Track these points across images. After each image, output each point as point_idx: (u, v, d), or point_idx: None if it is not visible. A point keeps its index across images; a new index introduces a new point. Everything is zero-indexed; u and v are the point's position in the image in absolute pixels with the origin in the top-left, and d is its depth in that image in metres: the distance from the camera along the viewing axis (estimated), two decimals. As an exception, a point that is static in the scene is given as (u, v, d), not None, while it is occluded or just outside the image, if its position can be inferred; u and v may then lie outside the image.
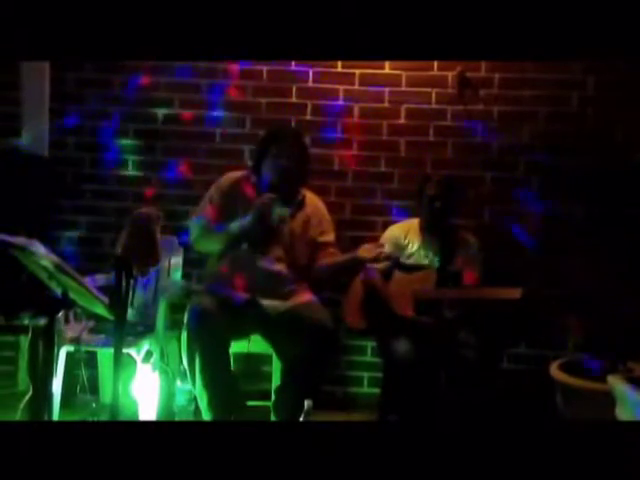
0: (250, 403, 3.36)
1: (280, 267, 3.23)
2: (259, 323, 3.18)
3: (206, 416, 3.05)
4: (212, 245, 3.26)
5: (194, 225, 3.27)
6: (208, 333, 2.98)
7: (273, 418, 3.13)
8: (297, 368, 3.05)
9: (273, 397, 3.20)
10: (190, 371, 3.01)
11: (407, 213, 3.69)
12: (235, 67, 3.85)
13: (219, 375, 3.02)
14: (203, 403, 3.03)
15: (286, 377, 3.12)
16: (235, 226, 3.17)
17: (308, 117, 3.85)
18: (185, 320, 3.07)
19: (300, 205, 3.34)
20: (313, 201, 3.42)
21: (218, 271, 3.25)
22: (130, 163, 3.92)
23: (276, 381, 3.31)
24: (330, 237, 3.39)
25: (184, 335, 3.03)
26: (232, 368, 3.19)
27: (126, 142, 3.91)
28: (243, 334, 3.22)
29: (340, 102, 3.83)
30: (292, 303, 3.18)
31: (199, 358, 2.97)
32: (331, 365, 3.48)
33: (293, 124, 3.83)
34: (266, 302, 3.17)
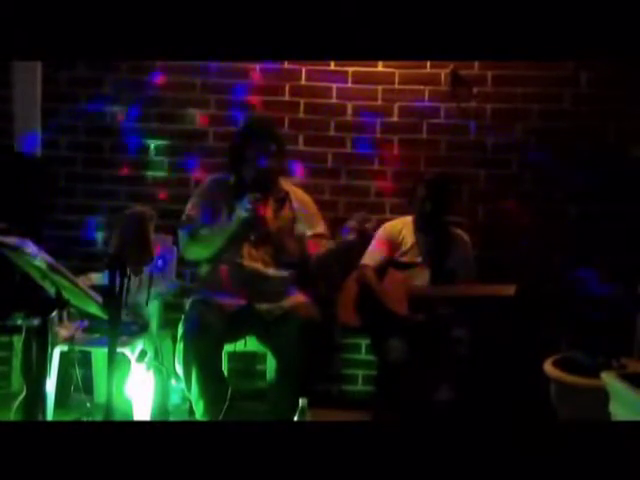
0: (245, 402, 3.37)
1: (272, 270, 3.22)
2: (254, 327, 3.18)
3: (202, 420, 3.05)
4: (202, 252, 3.24)
5: (182, 235, 3.25)
6: (205, 345, 2.98)
7: (268, 416, 3.13)
8: (292, 366, 3.05)
9: (268, 395, 3.20)
10: (186, 381, 3.01)
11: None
12: (231, 66, 3.83)
13: (215, 383, 3.02)
14: (199, 410, 3.02)
15: (281, 375, 3.12)
16: (222, 230, 3.16)
17: (301, 115, 3.84)
18: (180, 331, 3.06)
19: (284, 201, 3.32)
20: (298, 195, 3.38)
21: (211, 277, 3.24)
22: (123, 162, 3.91)
23: (270, 379, 3.31)
24: (320, 229, 3.33)
25: (180, 346, 3.02)
26: (225, 368, 3.22)
27: (119, 141, 3.90)
28: (238, 338, 3.23)
29: (333, 100, 3.83)
30: (285, 305, 3.17)
31: (196, 369, 2.96)
32: (326, 363, 3.48)
33: (286, 122, 3.82)
34: (260, 306, 3.16)
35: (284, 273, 3.23)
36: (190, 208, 3.29)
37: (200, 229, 3.20)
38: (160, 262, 3.50)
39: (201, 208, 3.26)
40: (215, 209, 3.23)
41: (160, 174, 3.89)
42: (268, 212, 3.24)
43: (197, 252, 3.26)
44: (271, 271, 3.21)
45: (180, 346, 3.02)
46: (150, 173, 3.90)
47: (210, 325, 3.01)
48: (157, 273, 3.52)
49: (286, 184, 3.38)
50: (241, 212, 3.10)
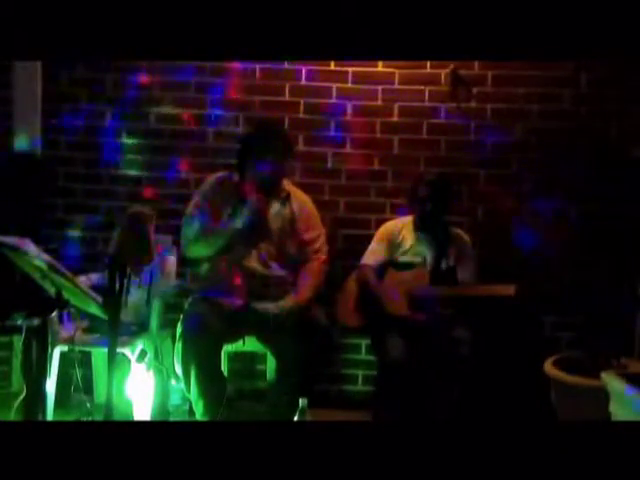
0: (245, 402, 3.37)
1: (272, 270, 3.22)
2: (254, 326, 3.17)
3: (202, 420, 3.05)
4: (204, 250, 3.23)
5: (184, 233, 3.25)
6: (204, 345, 2.97)
7: (268, 416, 3.13)
8: (292, 366, 3.04)
9: (268, 395, 3.20)
10: (185, 380, 3.00)
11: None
12: (229, 66, 3.84)
13: (214, 383, 3.02)
14: (199, 409, 3.02)
15: (281, 375, 3.12)
16: (225, 230, 3.16)
17: (301, 115, 3.84)
18: (179, 331, 3.05)
19: (285, 201, 3.32)
20: (299, 197, 3.39)
21: (211, 276, 3.24)
22: (123, 162, 3.91)
23: (271, 379, 3.30)
24: (314, 233, 3.34)
25: (178, 346, 3.02)
26: (224, 368, 3.22)
27: (119, 141, 3.90)
28: (238, 337, 3.22)
29: (333, 100, 3.83)
30: (285, 304, 3.16)
31: (195, 369, 2.96)
32: (325, 362, 3.48)
33: (286, 122, 3.82)
34: (260, 305, 3.16)
35: (284, 273, 3.24)
36: (193, 206, 3.28)
37: (202, 228, 3.20)
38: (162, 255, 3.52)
39: (204, 207, 3.25)
40: (218, 208, 3.22)
41: (159, 174, 3.89)
42: (269, 212, 3.25)
43: (199, 250, 3.25)
44: (271, 271, 3.21)
45: (179, 345, 3.02)
46: (150, 173, 3.90)
47: (209, 324, 3.00)
48: (157, 269, 3.53)
49: (288, 185, 3.38)
50: (245, 214, 3.11)
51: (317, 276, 3.28)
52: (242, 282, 3.16)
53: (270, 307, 3.13)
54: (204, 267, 3.31)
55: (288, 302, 3.13)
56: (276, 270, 3.22)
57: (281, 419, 2.95)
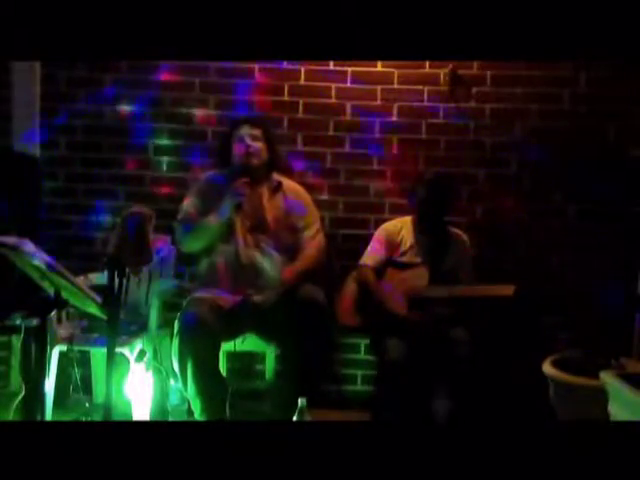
0: (245, 401, 3.37)
1: (268, 257, 3.22)
2: (253, 322, 3.17)
3: (200, 419, 3.04)
4: (198, 242, 3.26)
5: (178, 227, 3.28)
6: (200, 342, 2.97)
7: (266, 416, 3.12)
8: (293, 361, 3.03)
9: (267, 395, 3.20)
10: (182, 378, 3.00)
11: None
12: (229, 66, 3.84)
13: (212, 381, 3.01)
14: (197, 408, 3.02)
15: (281, 372, 3.12)
16: (214, 217, 3.18)
17: (300, 115, 3.84)
18: (176, 327, 3.05)
19: (276, 190, 3.34)
20: (291, 186, 3.43)
21: (209, 274, 3.25)
22: (122, 162, 3.91)
23: (269, 379, 3.30)
24: (308, 220, 3.37)
25: (175, 342, 3.01)
26: (223, 368, 3.22)
27: (118, 141, 3.90)
28: (237, 335, 3.22)
29: (332, 100, 3.83)
30: (282, 288, 3.15)
31: (191, 366, 2.95)
32: (328, 359, 3.47)
33: (285, 122, 3.82)
34: (258, 297, 3.15)
35: (280, 258, 3.23)
36: (186, 205, 3.32)
37: (193, 221, 3.23)
38: (160, 255, 3.52)
39: (196, 202, 3.29)
40: (210, 204, 3.25)
41: (160, 174, 3.89)
42: (262, 200, 3.26)
43: (193, 244, 3.29)
44: (266, 260, 3.21)
45: (175, 341, 3.01)
46: (150, 173, 3.90)
47: (206, 321, 2.99)
48: (156, 269, 3.53)
49: (278, 176, 3.40)
50: (230, 196, 3.15)
51: (308, 259, 3.28)
52: (239, 276, 3.17)
53: (256, 298, 3.14)
54: (202, 264, 3.31)
55: (272, 291, 3.14)
56: (272, 256, 3.22)
57: (280, 419, 2.95)
